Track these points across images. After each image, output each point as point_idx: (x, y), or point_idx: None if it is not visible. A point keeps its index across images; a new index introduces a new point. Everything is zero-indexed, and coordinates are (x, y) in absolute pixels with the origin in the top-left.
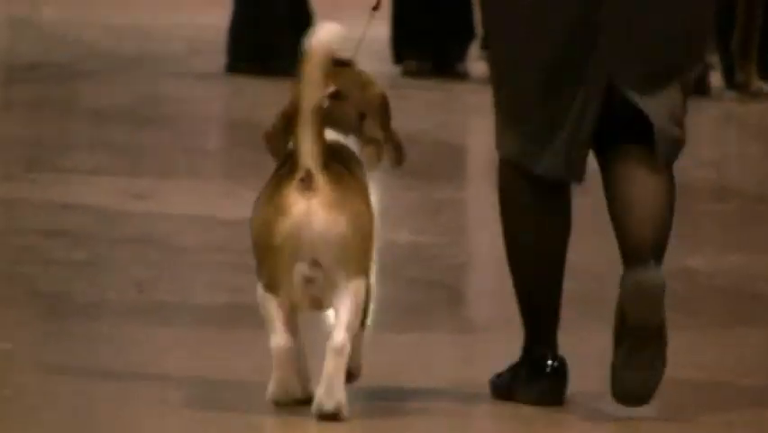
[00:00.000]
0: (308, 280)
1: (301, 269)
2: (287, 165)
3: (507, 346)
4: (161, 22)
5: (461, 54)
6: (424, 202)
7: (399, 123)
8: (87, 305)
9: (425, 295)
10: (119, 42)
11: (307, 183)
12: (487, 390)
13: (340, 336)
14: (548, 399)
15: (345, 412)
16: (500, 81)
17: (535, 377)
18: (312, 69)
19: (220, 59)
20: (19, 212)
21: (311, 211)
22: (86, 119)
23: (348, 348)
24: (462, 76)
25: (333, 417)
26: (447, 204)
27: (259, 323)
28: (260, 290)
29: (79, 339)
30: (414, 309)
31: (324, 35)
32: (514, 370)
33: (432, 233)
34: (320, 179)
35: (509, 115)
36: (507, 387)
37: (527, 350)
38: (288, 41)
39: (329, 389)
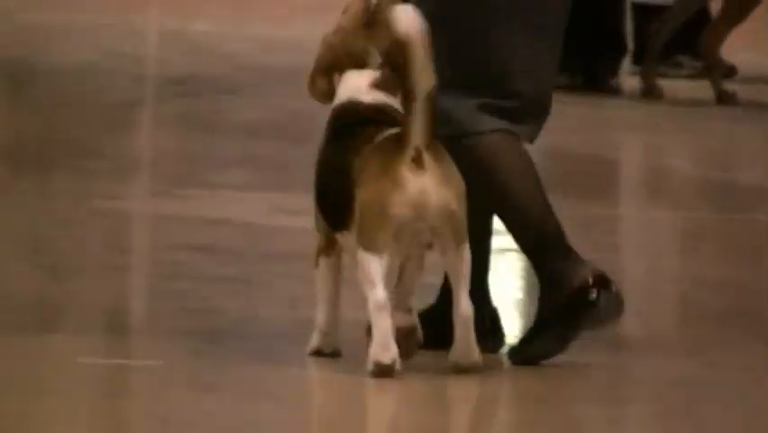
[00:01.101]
0: (425, 247)
1: (418, 239)
2: (386, 138)
3: (659, 363)
4: (313, 35)
5: (612, 69)
6: (575, 218)
7: (551, 138)
8: (239, 321)
9: None
10: (270, 56)
11: (418, 162)
12: (643, 406)
13: (466, 303)
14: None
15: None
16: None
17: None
18: (423, 55)
19: None
20: (170, 228)
21: (425, 189)
22: (236, 134)
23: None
24: (614, 91)
25: (469, 371)
26: (598, 220)
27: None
28: (360, 252)
29: (232, 356)
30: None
31: (413, 20)
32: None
33: (583, 249)
34: (428, 158)
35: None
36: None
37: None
38: None
39: (466, 349)
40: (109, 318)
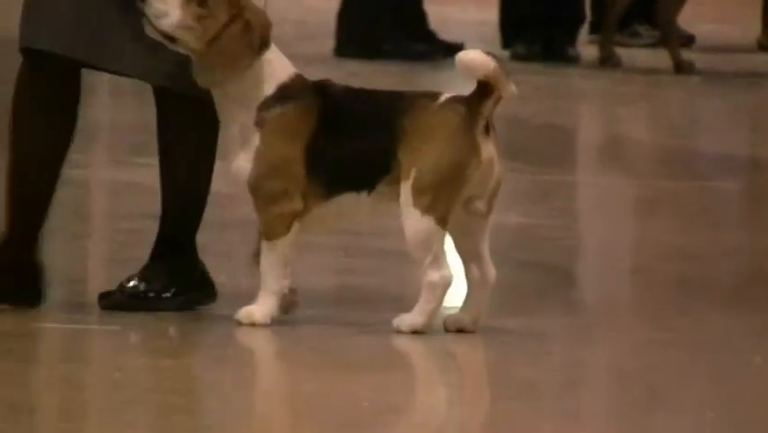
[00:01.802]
0: (479, 216)
1: (478, 206)
2: (448, 104)
3: (616, 328)
4: (272, 6)
5: (571, 37)
6: (533, 185)
7: (509, 106)
8: None
9: (535, 278)
10: None
11: (487, 131)
12: (599, 370)
13: (493, 271)
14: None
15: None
16: None
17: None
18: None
19: (329, 42)
20: (128, 197)
21: (492, 157)
22: None
23: None
24: (572, 60)
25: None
26: (556, 187)
27: None
28: (430, 223)
29: (188, 321)
30: (524, 292)
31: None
32: None
33: (541, 216)
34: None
35: None
36: None
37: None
38: (395, 25)
39: (481, 312)
40: (68, 285)
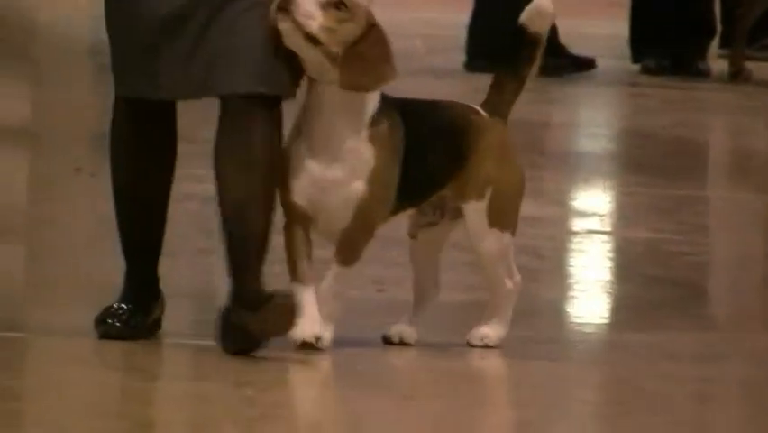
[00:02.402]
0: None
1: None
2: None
3: (745, 343)
4: (400, 18)
5: (701, 52)
6: (663, 199)
7: (640, 121)
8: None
9: (664, 293)
10: None
11: None
12: (729, 384)
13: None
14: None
15: None
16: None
17: None
18: None
19: (459, 56)
20: None
21: None
22: None
23: None
24: (703, 74)
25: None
26: (686, 201)
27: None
28: (508, 239)
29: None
30: (653, 307)
31: None
32: None
33: (671, 231)
34: None
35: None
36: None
37: None
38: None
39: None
40: (195, 301)
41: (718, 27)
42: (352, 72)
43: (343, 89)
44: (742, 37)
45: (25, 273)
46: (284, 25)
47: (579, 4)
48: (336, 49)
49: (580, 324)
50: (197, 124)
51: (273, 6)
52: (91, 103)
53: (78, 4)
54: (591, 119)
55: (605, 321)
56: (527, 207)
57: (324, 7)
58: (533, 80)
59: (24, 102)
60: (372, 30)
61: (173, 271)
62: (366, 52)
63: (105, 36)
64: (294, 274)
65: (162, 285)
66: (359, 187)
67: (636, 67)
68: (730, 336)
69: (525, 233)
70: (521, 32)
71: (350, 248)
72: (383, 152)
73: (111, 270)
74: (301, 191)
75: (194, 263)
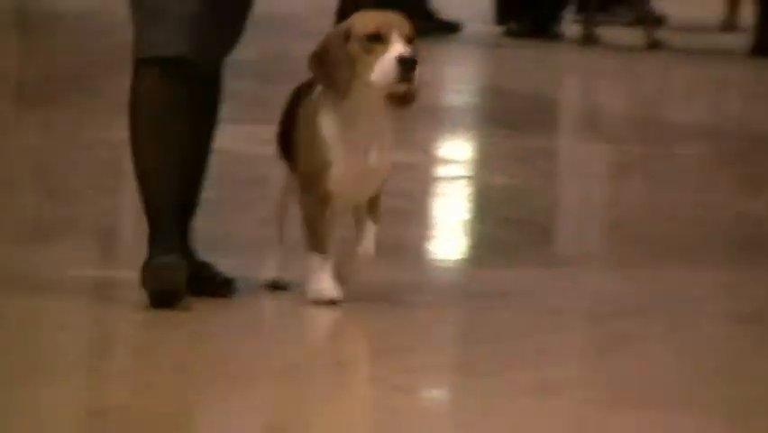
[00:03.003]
0: None
1: None
2: None
3: (589, 278)
4: None
5: (556, 18)
6: (518, 149)
7: (501, 78)
8: (215, 238)
9: (518, 233)
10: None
11: None
12: (575, 319)
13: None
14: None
15: None
16: None
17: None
18: None
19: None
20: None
21: None
22: None
23: None
24: (558, 37)
25: None
26: (539, 151)
27: None
28: None
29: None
30: (508, 246)
31: None
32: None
33: (523, 177)
34: None
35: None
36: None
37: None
38: (398, 5)
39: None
40: (99, 235)
41: None
42: (414, 94)
43: (403, 105)
44: (593, 4)
45: None
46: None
47: None
48: None
49: (442, 260)
50: (102, 78)
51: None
52: None
53: None
54: (457, 77)
55: (465, 258)
56: (399, 156)
57: (406, 43)
58: None
59: None
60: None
61: (79, 208)
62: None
63: None
64: (322, 246)
65: (68, 220)
66: (388, 161)
67: (500, 30)
68: (574, 271)
69: (398, 178)
70: None
71: (379, 209)
72: (395, 134)
73: None
74: (342, 180)
75: (98, 201)
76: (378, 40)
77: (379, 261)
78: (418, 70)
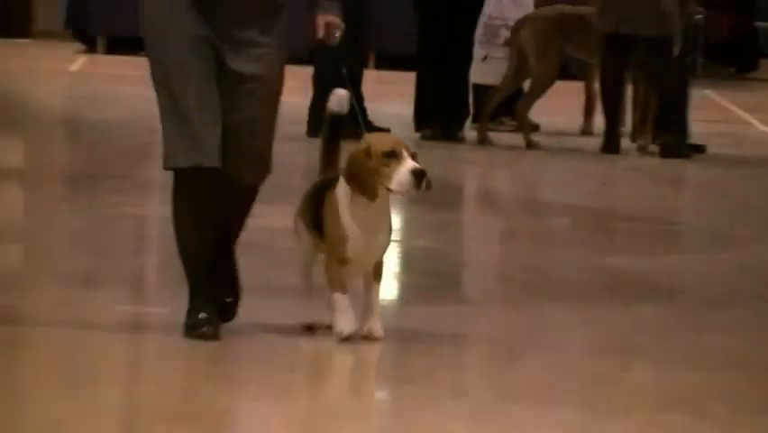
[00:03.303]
0: None
1: None
2: None
3: (488, 312)
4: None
5: (459, 125)
6: (435, 220)
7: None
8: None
9: (435, 280)
10: None
11: None
12: (477, 344)
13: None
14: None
15: None
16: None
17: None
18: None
19: (301, 127)
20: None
21: None
22: None
23: None
24: (461, 140)
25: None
26: (450, 222)
27: None
28: None
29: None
30: (427, 290)
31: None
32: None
33: (441, 240)
34: None
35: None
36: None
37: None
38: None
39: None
40: (132, 281)
41: (471, 109)
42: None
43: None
44: (486, 116)
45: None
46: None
47: (377, 93)
48: None
49: (382, 301)
50: (130, 168)
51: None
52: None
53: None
54: None
55: (397, 299)
56: None
57: (411, 159)
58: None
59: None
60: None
61: (118, 262)
62: None
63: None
64: (342, 288)
65: (110, 272)
66: (390, 241)
67: (417, 135)
68: (477, 309)
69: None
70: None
71: (382, 272)
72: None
73: None
74: (356, 249)
75: (132, 258)
76: (393, 156)
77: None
78: (426, 178)
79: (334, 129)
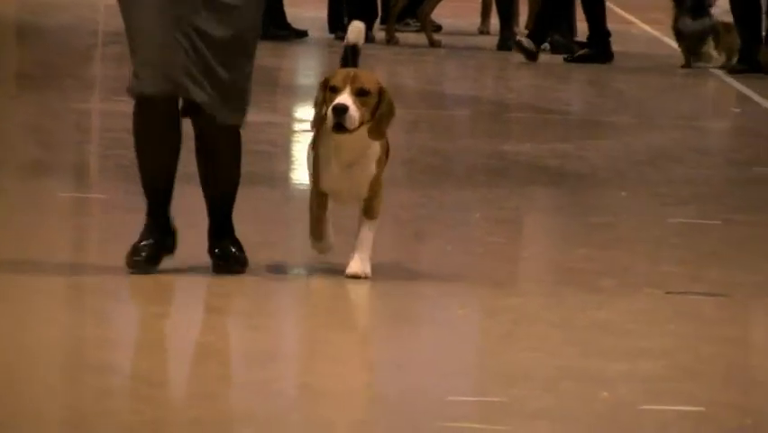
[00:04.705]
0: None
1: None
2: None
3: (394, 194)
4: None
5: (370, 26)
6: None
7: (332, 67)
8: None
9: None
10: None
11: None
12: (386, 221)
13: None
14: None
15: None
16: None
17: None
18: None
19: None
20: (112, 119)
21: None
22: None
23: None
24: (371, 40)
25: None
26: None
27: None
28: None
29: None
30: None
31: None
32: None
33: None
34: None
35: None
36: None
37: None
38: (267, 18)
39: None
40: (75, 169)
41: (379, 12)
42: (379, 130)
43: (372, 139)
44: (393, 17)
45: None
46: (332, 127)
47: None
48: (366, 116)
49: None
50: (75, 68)
51: (316, 115)
52: None
53: None
54: (306, 67)
55: None
56: (267, 117)
57: (354, 99)
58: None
59: None
60: (383, 94)
61: (62, 151)
62: (383, 113)
63: None
64: (317, 233)
65: (54, 160)
66: (369, 176)
67: (332, 36)
68: (385, 191)
69: (267, 132)
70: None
71: (373, 210)
72: (381, 147)
73: None
74: (329, 183)
75: (74, 147)
76: (335, 91)
77: (257, 190)
78: (352, 116)
79: (353, 59)
